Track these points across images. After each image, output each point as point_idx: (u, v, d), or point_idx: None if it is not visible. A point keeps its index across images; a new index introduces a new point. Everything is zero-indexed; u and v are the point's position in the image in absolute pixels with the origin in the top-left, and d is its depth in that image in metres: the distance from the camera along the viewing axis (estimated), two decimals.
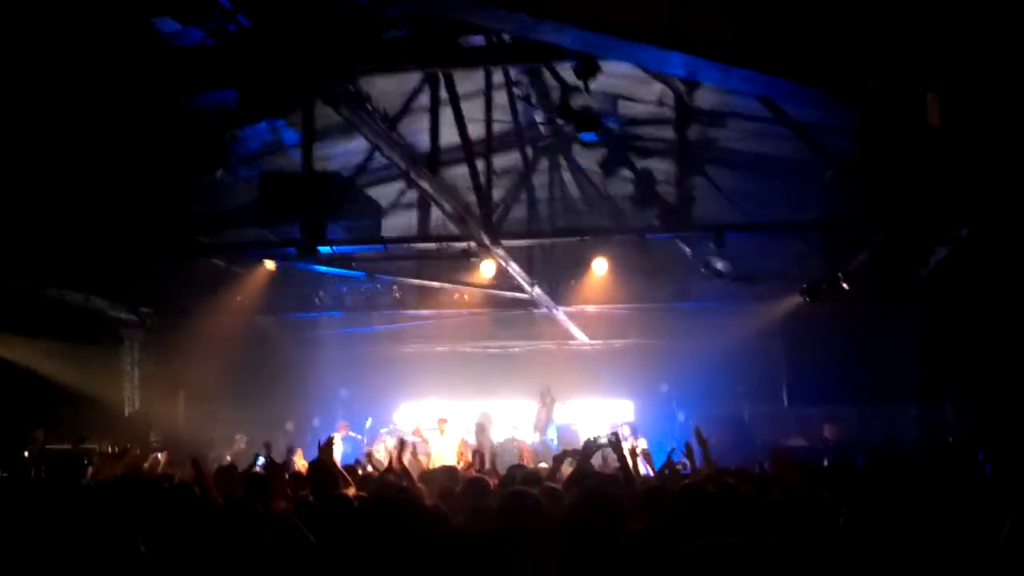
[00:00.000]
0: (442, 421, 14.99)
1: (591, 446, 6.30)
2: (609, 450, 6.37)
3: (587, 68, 7.16)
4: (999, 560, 3.74)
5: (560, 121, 9.09)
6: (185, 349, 14.03)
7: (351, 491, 6.47)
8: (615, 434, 6.36)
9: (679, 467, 7.47)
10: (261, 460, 9.61)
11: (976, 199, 9.06)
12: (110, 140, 9.34)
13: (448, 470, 9.16)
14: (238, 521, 4.50)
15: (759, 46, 5.53)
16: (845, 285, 11.51)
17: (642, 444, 14.10)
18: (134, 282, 12.79)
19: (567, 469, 6.73)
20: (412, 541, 4.24)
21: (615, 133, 10.60)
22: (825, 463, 10.75)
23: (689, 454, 7.38)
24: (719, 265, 10.98)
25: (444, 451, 13.21)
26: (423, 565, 3.99)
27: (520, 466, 7.80)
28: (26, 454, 10.81)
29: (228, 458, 13.76)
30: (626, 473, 5.93)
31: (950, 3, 5.62)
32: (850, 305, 12.93)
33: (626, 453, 6.30)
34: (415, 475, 8.08)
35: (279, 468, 7.67)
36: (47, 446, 11.61)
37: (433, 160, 8.90)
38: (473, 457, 9.12)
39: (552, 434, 16.30)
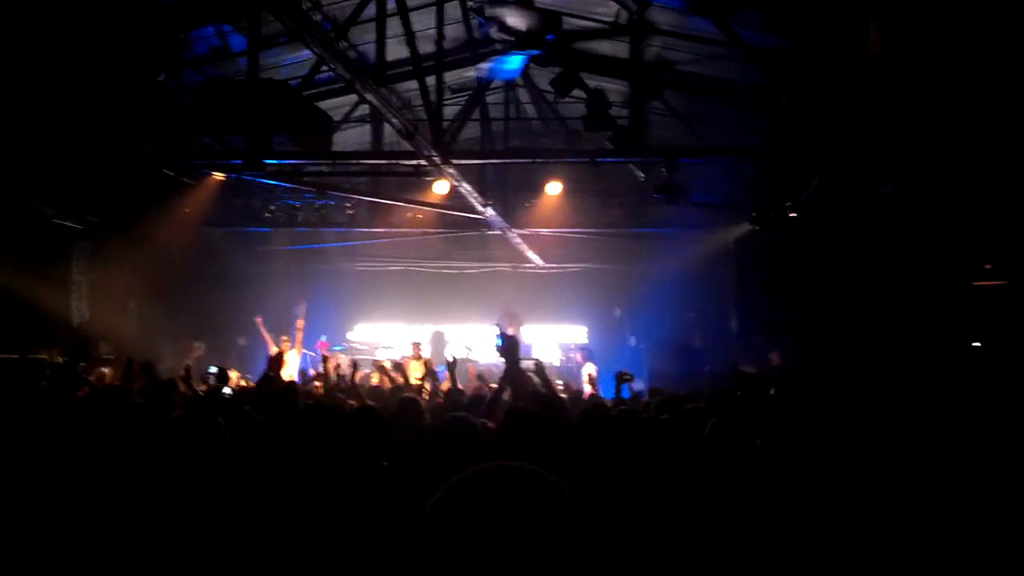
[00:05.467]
0: (416, 345, 15.04)
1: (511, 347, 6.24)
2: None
3: None
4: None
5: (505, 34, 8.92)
6: (134, 260, 13.82)
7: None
8: (538, 360, 6.37)
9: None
10: (213, 369, 9.62)
11: (927, 132, 9.09)
12: (52, 40, 9.08)
13: (396, 389, 9.25)
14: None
15: None
16: (792, 214, 11.54)
17: (590, 368, 14.32)
18: (80, 190, 12.53)
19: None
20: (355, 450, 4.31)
21: (568, 51, 10.47)
22: (772, 391, 10.94)
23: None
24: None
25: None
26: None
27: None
28: None
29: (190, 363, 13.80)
30: (551, 397, 5.96)
31: None
32: (798, 233, 12.99)
33: (550, 378, 6.32)
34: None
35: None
36: None
37: (379, 72, 8.71)
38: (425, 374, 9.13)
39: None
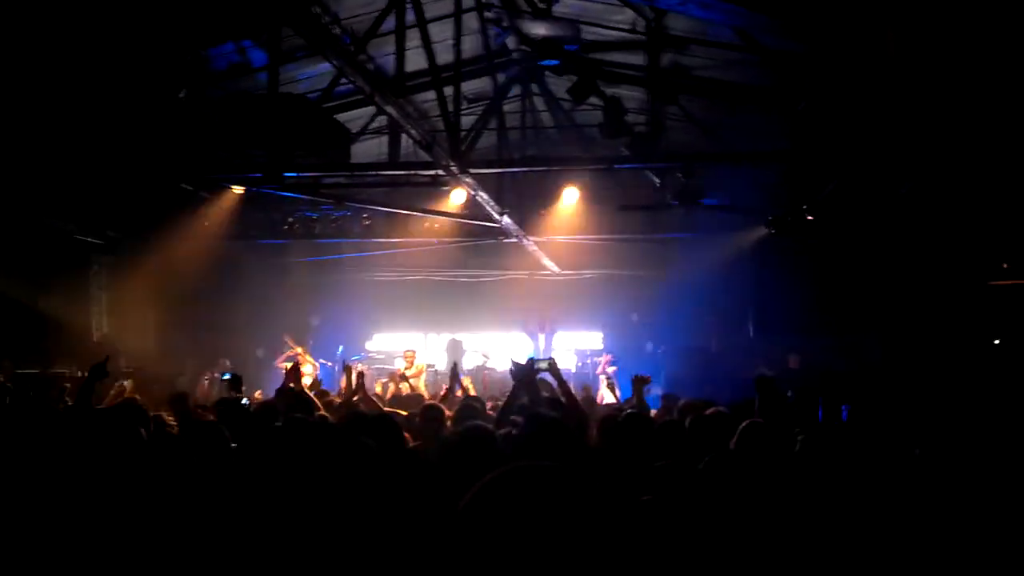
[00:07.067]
0: (409, 354, 15.10)
1: (526, 370, 6.20)
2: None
3: None
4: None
5: (524, 46, 8.98)
6: (154, 274, 13.92)
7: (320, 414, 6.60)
8: (552, 359, 6.31)
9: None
10: (226, 376, 9.69)
11: (942, 134, 9.09)
12: (74, 59, 9.17)
13: (416, 397, 9.28)
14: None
15: None
16: (809, 217, 11.55)
17: (612, 370, 14.38)
18: (101, 205, 12.65)
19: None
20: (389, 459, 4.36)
21: (585, 60, 10.49)
22: (789, 393, 10.95)
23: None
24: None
25: (413, 382, 13.33)
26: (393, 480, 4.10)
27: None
28: None
29: (213, 377, 13.88)
30: (567, 398, 5.96)
31: None
32: (816, 236, 13.00)
33: (563, 377, 6.30)
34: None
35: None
36: (16, 371, 11.61)
37: (398, 84, 8.76)
38: (451, 385, 9.14)
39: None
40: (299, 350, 14.83)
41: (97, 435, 5.33)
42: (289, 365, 11.49)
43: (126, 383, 11.53)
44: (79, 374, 12.13)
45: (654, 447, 5.01)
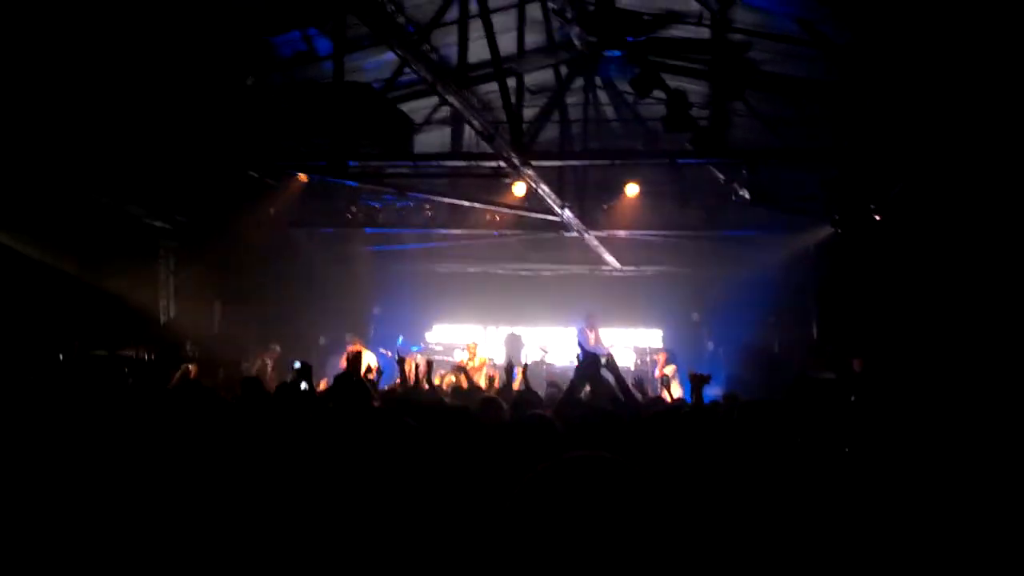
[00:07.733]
0: (472, 347, 15.14)
1: (592, 361, 6.24)
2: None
3: None
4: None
5: (587, 36, 8.93)
6: (220, 259, 14.16)
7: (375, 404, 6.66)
8: (609, 354, 6.34)
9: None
10: (297, 364, 9.80)
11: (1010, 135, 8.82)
12: (142, 45, 9.36)
13: (477, 390, 9.33)
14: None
15: None
16: (876, 216, 11.28)
17: (667, 370, 14.25)
18: (169, 190, 12.88)
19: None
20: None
21: (648, 52, 10.38)
22: (852, 398, 10.73)
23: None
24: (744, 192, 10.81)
25: (473, 374, 13.35)
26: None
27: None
28: (62, 357, 11.05)
29: (269, 362, 14.06)
30: (625, 394, 5.94)
31: None
32: (883, 236, 12.69)
33: (622, 374, 6.30)
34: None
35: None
36: (84, 352, 11.88)
37: (461, 74, 8.79)
38: (500, 376, 9.18)
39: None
40: (360, 348, 14.95)
41: (165, 413, 5.46)
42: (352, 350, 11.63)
43: (191, 367, 11.81)
44: (145, 357, 12.41)
45: (710, 446, 4.96)
